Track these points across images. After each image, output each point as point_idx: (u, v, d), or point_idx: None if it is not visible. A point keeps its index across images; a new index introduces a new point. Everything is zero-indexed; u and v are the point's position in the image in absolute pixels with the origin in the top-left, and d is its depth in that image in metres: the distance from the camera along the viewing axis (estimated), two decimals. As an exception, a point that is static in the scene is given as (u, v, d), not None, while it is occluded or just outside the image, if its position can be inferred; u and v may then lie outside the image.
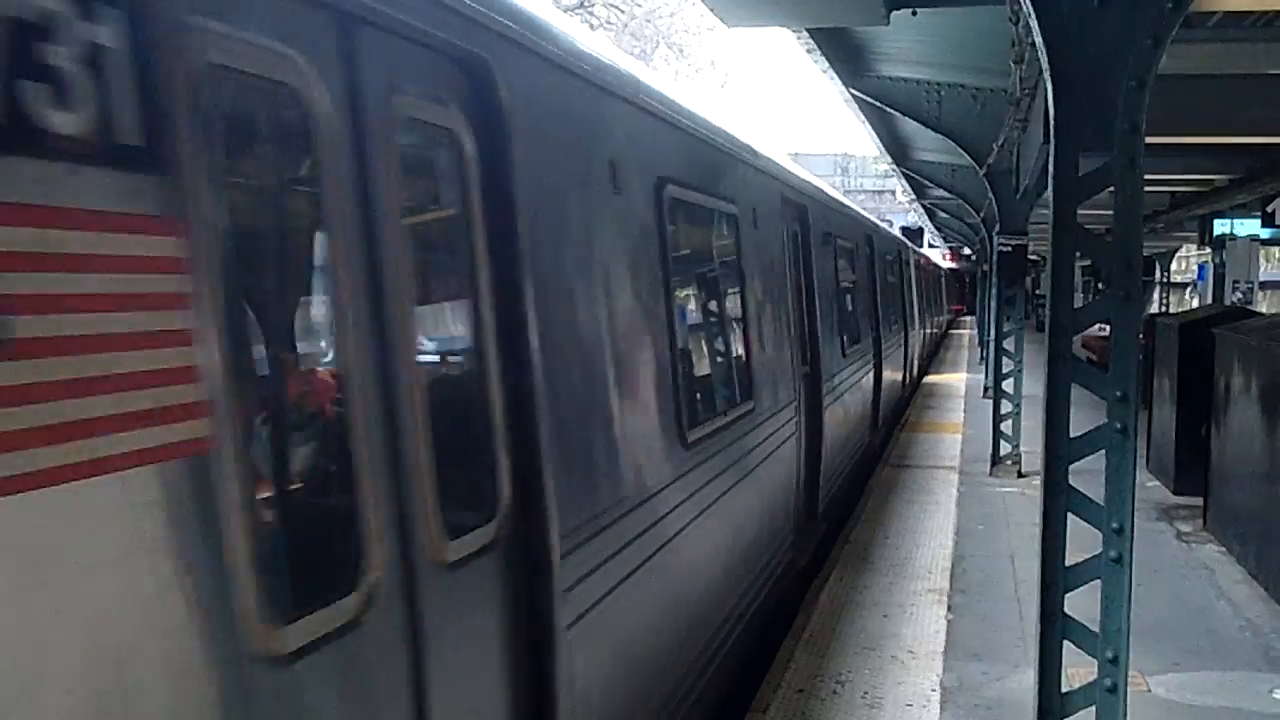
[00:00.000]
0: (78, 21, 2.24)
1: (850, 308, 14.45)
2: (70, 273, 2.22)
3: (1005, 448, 15.95)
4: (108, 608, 2.24)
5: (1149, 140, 4.92)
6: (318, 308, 3.17)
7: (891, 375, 18.84)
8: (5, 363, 2.08)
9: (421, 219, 3.73)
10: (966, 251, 54.46)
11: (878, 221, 21.70)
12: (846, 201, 17.26)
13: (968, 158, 16.00)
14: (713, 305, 7.70)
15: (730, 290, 8.03)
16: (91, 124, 2.27)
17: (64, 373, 2.19)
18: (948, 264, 61.80)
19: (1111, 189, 4.98)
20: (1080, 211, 5.03)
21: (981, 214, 23.79)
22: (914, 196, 34.71)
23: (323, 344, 3.25)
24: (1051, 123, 4.97)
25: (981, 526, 12.63)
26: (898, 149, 22.39)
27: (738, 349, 8.04)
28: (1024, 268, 16.81)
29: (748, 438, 7.78)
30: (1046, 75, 4.96)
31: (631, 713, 5.08)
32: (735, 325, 8.04)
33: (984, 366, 25.89)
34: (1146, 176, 5.00)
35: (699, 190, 6.93)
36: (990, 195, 16.60)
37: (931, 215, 41.29)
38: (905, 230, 44.57)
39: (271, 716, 2.68)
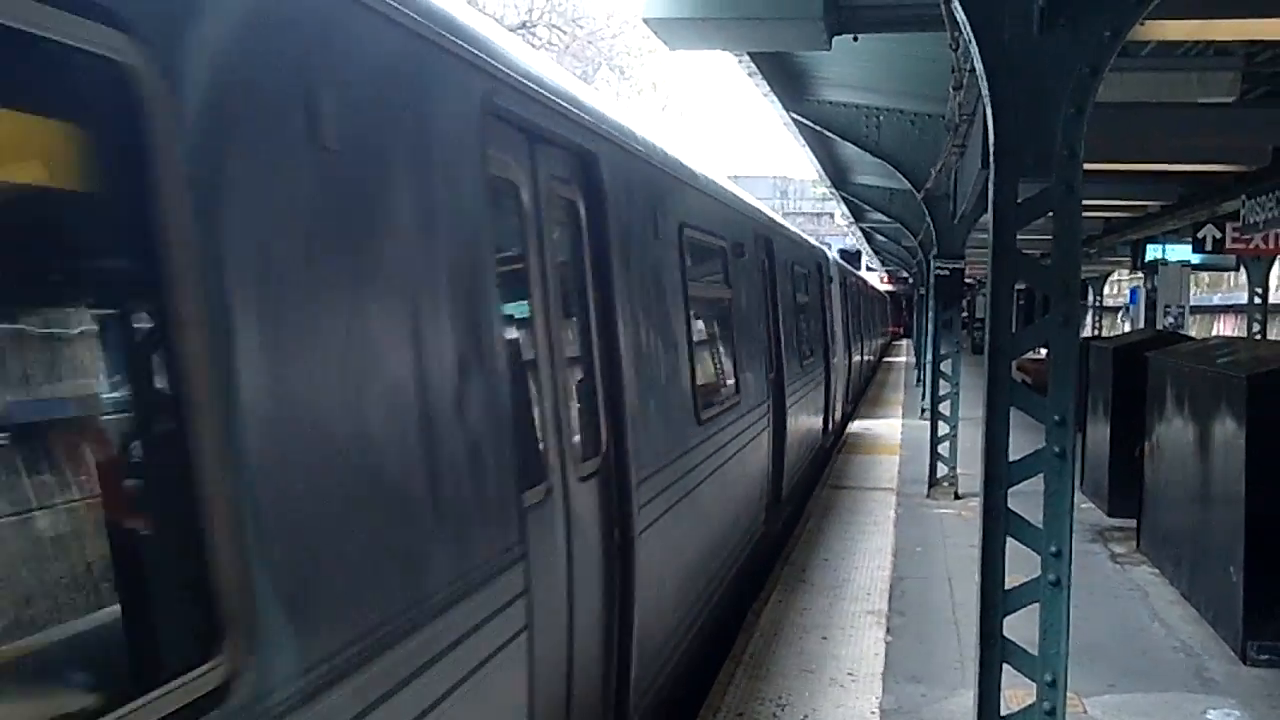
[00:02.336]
0: None
1: (805, 326, 15.97)
2: None
3: (942, 469, 16.03)
4: None
5: (1085, 167, 4.98)
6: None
7: (838, 385, 20.71)
8: None
9: (562, 261, 5.39)
10: (904, 274, 54.97)
11: (824, 249, 22.25)
12: (801, 233, 18.86)
13: (906, 182, 16.05)
14: (715, 320, 9.63)
15: (725, 310, 9.86)
16: None
17: None
18: (885, 287, 62.61)
19: (1050, 214, 5.03)
20: (1018, 236, 5.08)
21: (919, 237, 23.94)
22: (852, 220, 34.99)
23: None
24: (991, 149, 5.02)
25: (919, 548, 12.70)
26: (837, 173, 22.52)
27: (731, 355, 9.99)
28: (961, 291, 16.91)
29: (739, 422, 9.69)
30: (986, 101, 5.00)
31: (676, 601, 7.11)
32: (730, 337, 9.96)
33: (920, 389, 26.08)
34: (1083, 202, 5.05)
35: (704, 230, 8.81)
36: (928, 219, 16.69)
37: (870, 239, 41.58)
38: (844, 254, 44.80)
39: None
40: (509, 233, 4.71)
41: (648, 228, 6.75)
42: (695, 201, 8.55)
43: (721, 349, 9.77)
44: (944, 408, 16.36)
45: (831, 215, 66.95)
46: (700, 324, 8.75)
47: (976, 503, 5.37)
